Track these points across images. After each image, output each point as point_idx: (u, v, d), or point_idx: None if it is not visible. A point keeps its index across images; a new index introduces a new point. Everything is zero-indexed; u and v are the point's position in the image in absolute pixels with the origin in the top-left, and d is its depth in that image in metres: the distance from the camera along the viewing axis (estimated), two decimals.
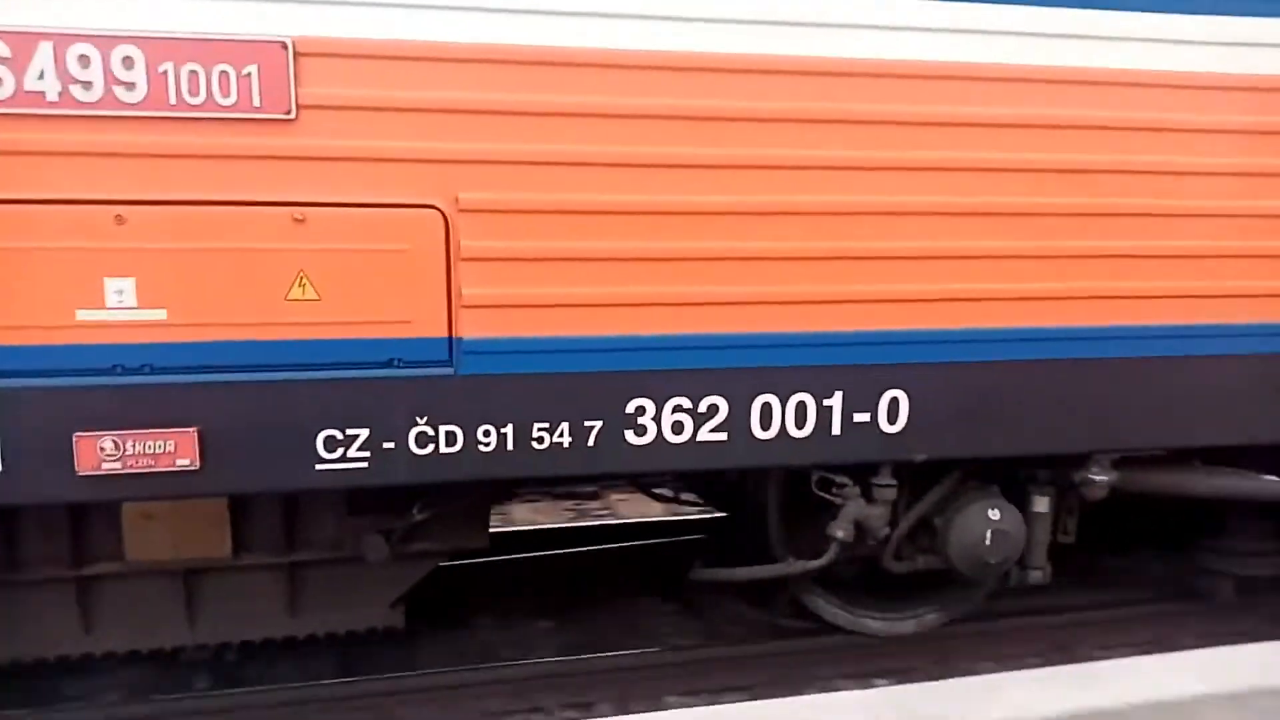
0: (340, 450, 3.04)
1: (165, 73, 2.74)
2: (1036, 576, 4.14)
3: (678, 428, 3.23)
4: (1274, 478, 4.20)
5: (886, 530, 3.86)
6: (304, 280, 2.93)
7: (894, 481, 3.75)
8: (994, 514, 3.84)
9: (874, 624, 4.36)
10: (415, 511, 3.70)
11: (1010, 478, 4.06)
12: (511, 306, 3.08)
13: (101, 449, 2.86)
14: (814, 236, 3.23)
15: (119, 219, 2.77)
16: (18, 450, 2.79)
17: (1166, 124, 3.50)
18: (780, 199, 3.21)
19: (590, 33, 2.98)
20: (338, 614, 3.95)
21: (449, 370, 3.03)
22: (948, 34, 3.22)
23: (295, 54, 2.81)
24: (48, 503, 3.27)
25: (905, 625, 4.36)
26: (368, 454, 3.05)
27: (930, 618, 4.39)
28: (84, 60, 2.69)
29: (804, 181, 3.22)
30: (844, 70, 3.15)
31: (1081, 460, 3.85)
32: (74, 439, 2.84)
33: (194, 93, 2.77)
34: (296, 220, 2.89)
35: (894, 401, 3.37)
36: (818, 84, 3.15)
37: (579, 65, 2.99)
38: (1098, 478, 3.84)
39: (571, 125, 3.01)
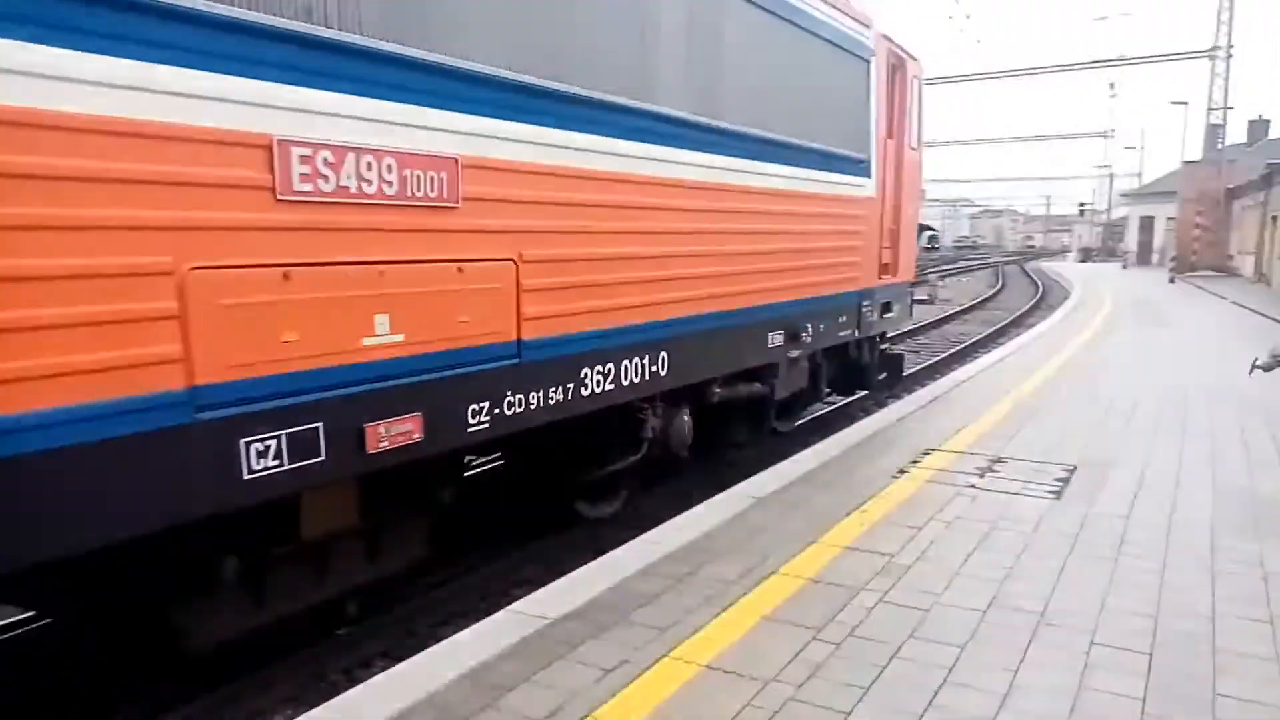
0: (478, 418, 4.59)
1: (405, 176, 4.08)
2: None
3: (598, 384, 5.50)
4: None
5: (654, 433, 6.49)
6: (464, 308, 4.45)
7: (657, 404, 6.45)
8: (686, 418, 6.90)
9: (590, 511, 6.93)
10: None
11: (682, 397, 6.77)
12: (545, 318, 4.94)
13: (378, 433, 4.02)
14: (644, 269, 5.73)
15: (381, 274, 4.00)
16: (333, 441, 3.83)
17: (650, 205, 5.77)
18: (657, 250, 5.86)
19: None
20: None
21: (517, 360, 4.83)
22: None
23: (460, 166, 4.37)
24: (348, 477, 4.26)
25: (605, 510, 7.05)
26: (488, 419, 4.67)
27: (616, 506, 7.15)
28: (369, 165, 3.91)
29: (651, 241, 5.81)
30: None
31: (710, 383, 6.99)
32: (365, 428, 3.96)
33: (417, 189, 4.15)
34: (459, 271, 4.40)
35: (663, 358, 6.16)
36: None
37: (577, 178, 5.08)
38: (717, 390, 7.14)
39: (570, 212, 5.10)
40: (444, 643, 3.83)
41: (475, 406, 4.56)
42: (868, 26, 8.94)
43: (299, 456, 3.68)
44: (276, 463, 3.59)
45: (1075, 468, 6.68)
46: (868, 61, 9.01)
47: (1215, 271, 43.67)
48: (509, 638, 3.81)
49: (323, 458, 3.78)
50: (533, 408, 4.95)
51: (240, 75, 3.35)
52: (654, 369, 6.02)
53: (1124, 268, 52.99)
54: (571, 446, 6.22)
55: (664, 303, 6.01)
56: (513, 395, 4.79)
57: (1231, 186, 44.02)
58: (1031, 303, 29.96)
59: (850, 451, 7.16)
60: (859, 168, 8.95)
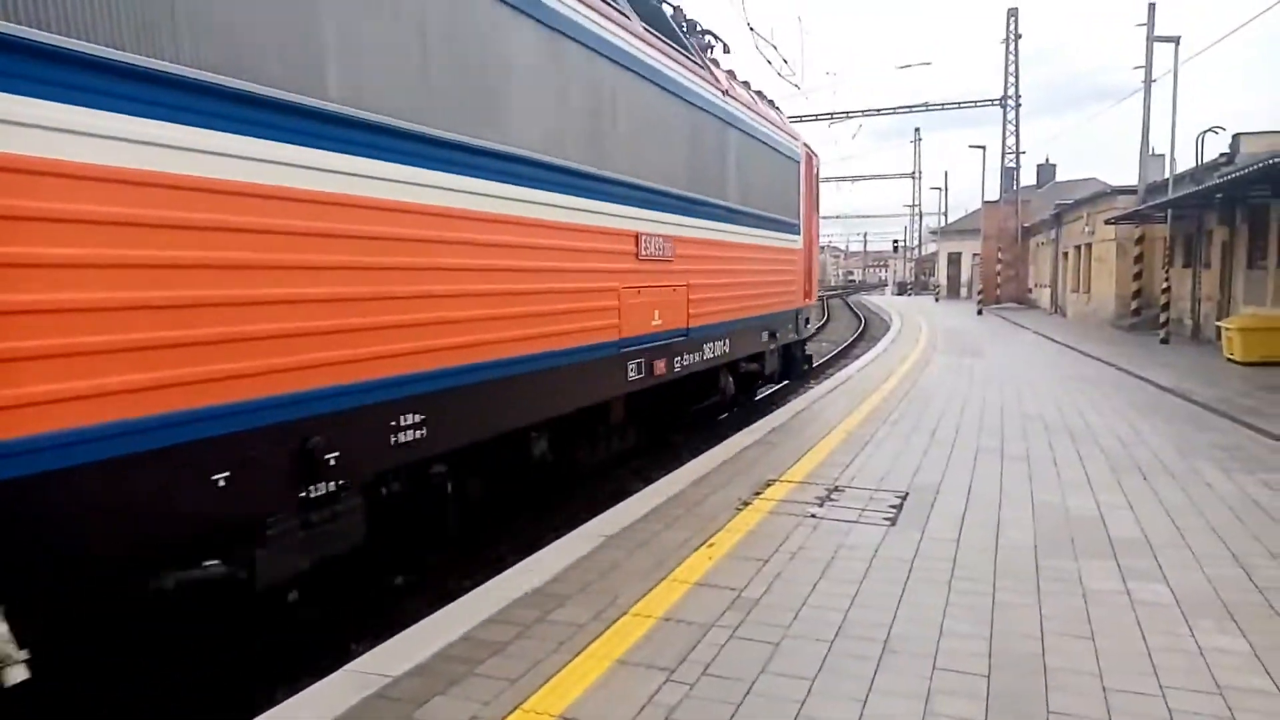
0: (678, 365, 9.22)
1: (646, 243, 8.20)
2: None
3: (712, 351, 10.44)
4: None
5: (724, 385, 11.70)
6: (679, 309, 9.06)
7: None
8: (730, 379, 12.02)
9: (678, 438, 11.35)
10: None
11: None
12: (702, 315, 9.54)
13: (659, 367, 8.74)
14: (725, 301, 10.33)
15: (666, 289, 8.65)
16: (645, 369, 8.35)
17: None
18: (729, 282, 10.77)
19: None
20: None
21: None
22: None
23: (635, 236, 8.01)
24: (647, 387, 8.63)
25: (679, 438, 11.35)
26: (679, 367, 9.10)
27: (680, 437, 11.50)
28: (647, 241, 8.17)
29: (716, 275, 10.26)
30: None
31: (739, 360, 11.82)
32: (654, 363, 8.55)
33: (647, 248, 8.22)
34: (673, 291, 8.92)
35: (728, 342, 10.91)
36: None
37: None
38: (742, 364, 11.93)
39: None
40: (266, 715, 3.53)
41: (678, 359, 9.11)
42: (796, 139, 14.32)
43: (637, 375, 8.11)
44: (636, 375, 8.11)
45: (907, 494, 6.95)
46: (798, 161, 14.26)
47: (1017, 303, 47.21)
48: (345, 702, 3.56)
49: (642, 375, 8.22)
50: (690, 363, 9.56)
51: (641, 208, 8.12)
52: (723, 348, 10.67)
53: (936, 300, 56.51)
54: (688, 389, 10.52)
55: (719, 313, 10.39)
56: (685, 356, 9.39)
57: (1027, 225, 47.83)
58: (855, 334, 31.46)
59: (694, 486, 7.20)
60: (794, 229, 14.06)
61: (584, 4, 6.89)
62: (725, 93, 10.62)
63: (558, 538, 5.89)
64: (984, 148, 45.08)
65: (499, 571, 5.23)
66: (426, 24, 5.12)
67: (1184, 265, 24.50)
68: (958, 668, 3.90)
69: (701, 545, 5.62)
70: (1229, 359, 17.57)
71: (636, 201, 7.93)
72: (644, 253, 8.09)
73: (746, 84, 12.70)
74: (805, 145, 14.51)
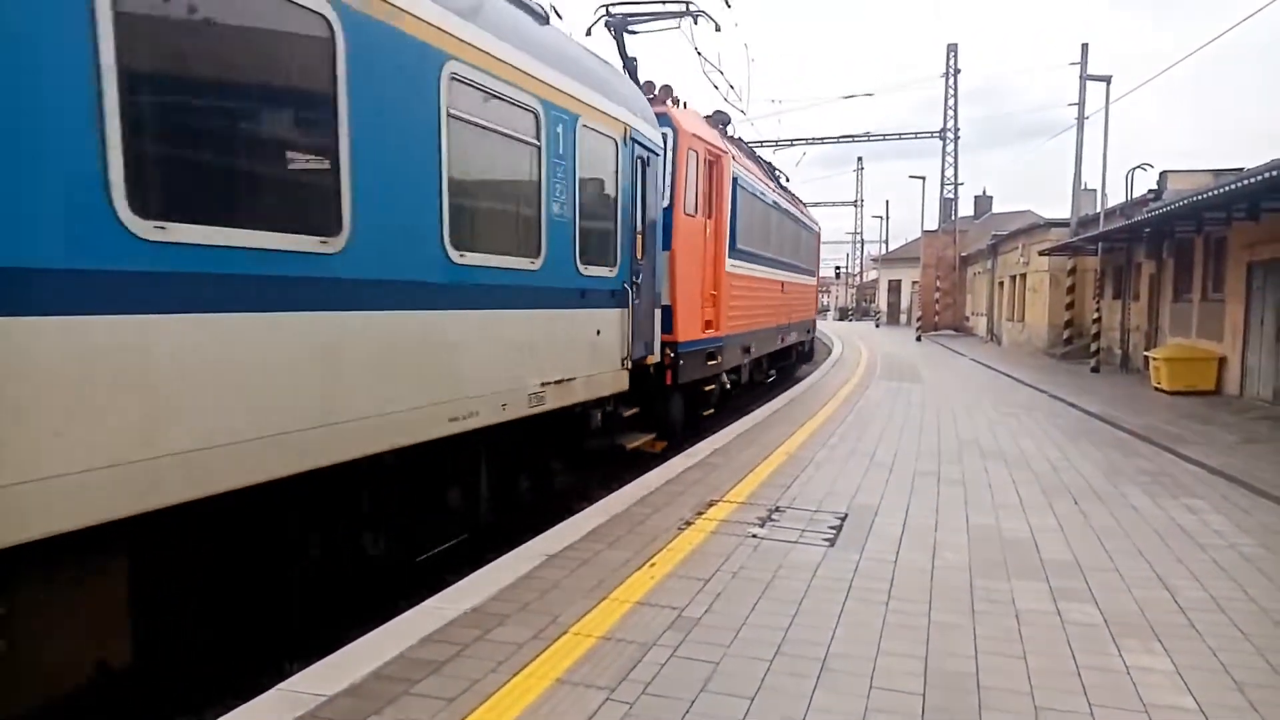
0: (781, 343, 20.42)
1: (783, 285, 19.81)
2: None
3: (787, 337, 21.62)
4: None
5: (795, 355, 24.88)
6: (780, 312, 19.72)
7: None
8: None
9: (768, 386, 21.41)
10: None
11: None
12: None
13: (779, 340, 20.08)
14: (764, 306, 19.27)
15: (776, 303, 19.19)
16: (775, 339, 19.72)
17: None
18: (777, 301, 21.02)
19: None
20: None
21: (776, 328, 19.05)
22: None
23: (781, 284, 19.75)
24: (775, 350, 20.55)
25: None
26: (779, 343, 20.17)
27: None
28: (783, 284, 20.04)
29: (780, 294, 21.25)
30: None
31: (794, 344, 23.87)
32: (782, 337, 20.36)
33: (783, 288, 20.16)
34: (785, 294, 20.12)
35: (785, 336, 21.25)
36: None
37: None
38: (794, 349, 24.25)
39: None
40: None
41: (784, 336, 20.35)
42: (815, 221, 27.19)
43: (779, 341, 19.88)
44: (779, 342, 19.86)
45: (846, 515, 7.04)
46: (818, 233, 28.04)
47: (955, 330, 48.16)
48: None
49: (778, 342, 19.76)
50: (788, 339, 21.06)
51: (782, 270, 20.15)
52: (794, 334, 22.17)
53: (877, 326, 57.40)
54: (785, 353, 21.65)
55: (796, 316, 22.18)
56: (787, 335, 20.77)
57: (965, 254, 48.92)
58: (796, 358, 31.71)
59: (637, 505, 7.20)
60: (812, 272, 25.85)
61: (785, 193, 21.47)
62: (798, 201, 24.30)
63: (496, 558, 5.84)
64: (924, 178, 46.18)
65: (438, 591, 5.16)
66: (753, 217, 16.27)
67: (1114, 296, 25.26)
68: (894, 686, 3.94)
69: (643, 565, 5.62)
70: (1156, 388, 18.14)
71: (782, 267, 19.55)
72: (783, 289, 19.75)
73: (788, 180, 23.91)
74: (817, 222, 28.07)
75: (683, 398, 12.07)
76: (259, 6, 4.44)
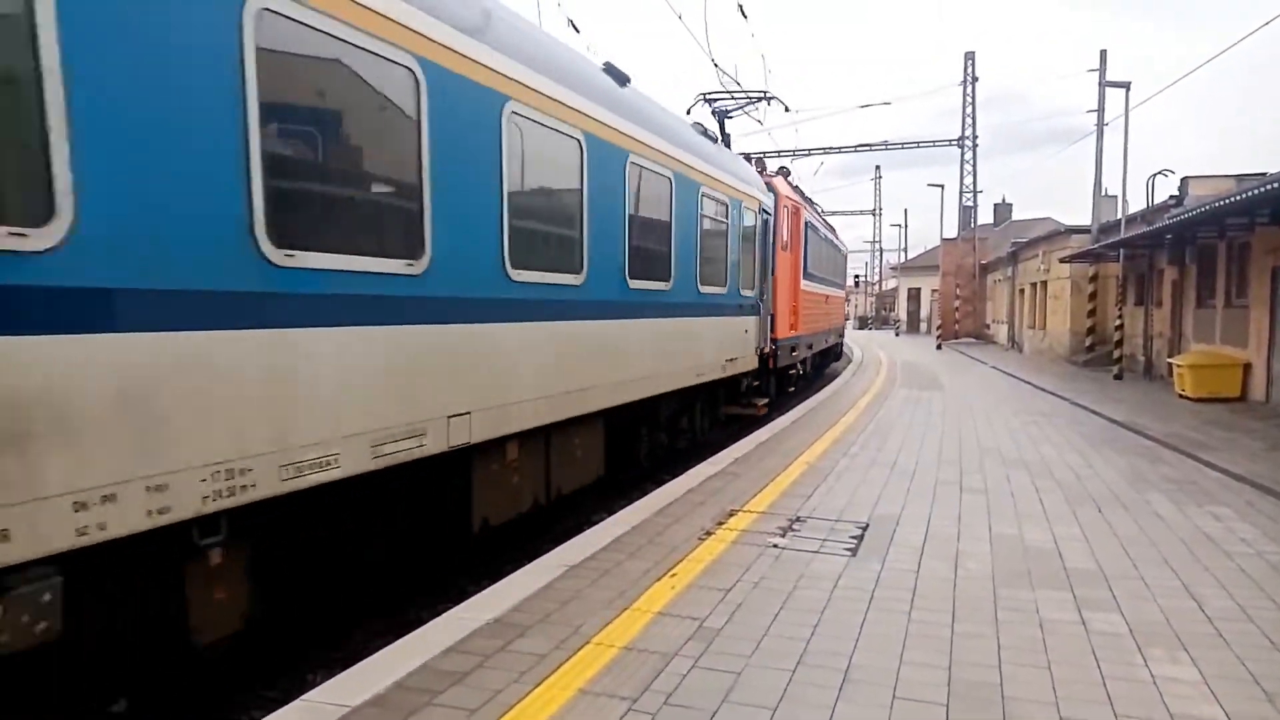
0: (825, 343, 24.83)
1: (825, 298, 24.48)
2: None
3: (825, 341, 25.97)
4: None
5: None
6: (817, 319, 22.34)
7: None
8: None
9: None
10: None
11: None
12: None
13: (818, 343, 23.23)
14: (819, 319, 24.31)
15: (821, 312, 22.85)
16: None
17: None
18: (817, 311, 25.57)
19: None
20: None
21: (829, 329, 25.48)
22: None
23: (825, 296, 24.46)
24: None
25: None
26: (826, 341, 25.48)
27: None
28: (826, 297, 24.64)
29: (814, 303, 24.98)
30: None
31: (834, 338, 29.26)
32: (819, 339, 23.36)
33: (827, 300, 24.69)
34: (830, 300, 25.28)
35: (821, 340, 24.58)
36: None
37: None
38: (825, 343, 27.23)
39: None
40: None
41: (828, 338, 25.65)
42: (844, 244, 33.32)
43: (825, 341, 25.12)
44: (825, 341, 25.10)
45: (868, 525, 7.01)
46: (845, 252, 33.05)
47: (975, 338, 47.89)
48: None
49: (825, 343, 25.06)
50: (829, 340, 26.12)
51: (830, 287, 25.70)
52: (830, 341, 26.96)
53: (897, 334, 57.15)
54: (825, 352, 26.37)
55: (835, 322, 28.12)
56: (829, 338, 25.78)
57: (985, 262, 48.67)
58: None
59: (657, 516, 7.20)
60: (841, 286, 30.77)
61: (827, 225, 27.17)
62: (832, 228, 28.22)
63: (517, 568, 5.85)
64: (943, 186, 45.94)
65: (460, 601, 5.18)
66: (813, 247, 21.00)
67: (1136, 303, 25.07)
68: (917, 697, 3.93)
69: (664, 575, 5.62)
70: (1180, 394, 17.97)
71: (826, 284, 23.97)
72: (826, 301, 24.24)
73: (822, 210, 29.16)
74: (845, 244, 33.04)
75: (776, 378, 17.03)
76: (365, 70, 5.22)
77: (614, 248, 8.84)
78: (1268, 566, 6.10)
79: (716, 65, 19.09)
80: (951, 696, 3.93)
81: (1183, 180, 22.73)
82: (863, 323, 79.22)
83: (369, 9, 5.09)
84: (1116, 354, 23.30)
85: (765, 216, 15.40)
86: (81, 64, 3.51)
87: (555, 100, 7.37)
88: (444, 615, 4.88)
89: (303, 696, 3.85)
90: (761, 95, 16.77)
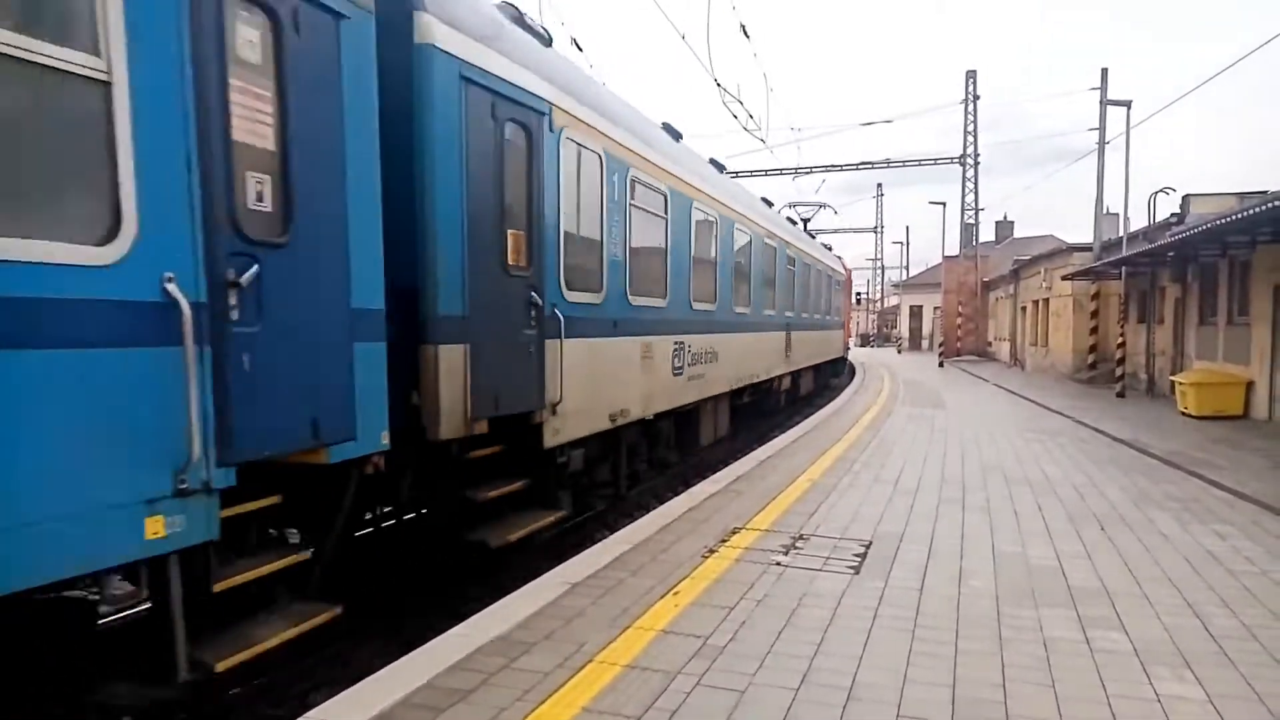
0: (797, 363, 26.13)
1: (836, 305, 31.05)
2: None
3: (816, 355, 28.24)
4: None
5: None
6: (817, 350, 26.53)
7: None
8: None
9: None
10: None
11: None
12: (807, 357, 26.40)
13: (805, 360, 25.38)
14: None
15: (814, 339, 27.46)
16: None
17: None
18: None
19: None
20: None
21: (849, 349, 38.08)
22: None
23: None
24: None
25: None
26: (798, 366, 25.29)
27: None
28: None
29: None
30: None
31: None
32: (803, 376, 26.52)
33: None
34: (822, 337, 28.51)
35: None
36: None
37: None
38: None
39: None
40: None
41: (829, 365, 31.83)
42: (846, 269, 36.27)
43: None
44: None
45: (871, 543, 7.00)
46: (841, 280, 32.63)
47: (977, 356, 47.89)
48: None
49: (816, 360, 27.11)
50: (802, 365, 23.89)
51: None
52: (843, 351, 34.33)
53: (899, 352, 57.16)
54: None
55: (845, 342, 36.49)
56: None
57: (987, 280, 48.73)
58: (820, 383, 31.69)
59: (660, 533, 7.20)
60: (840, 316, 33.35)
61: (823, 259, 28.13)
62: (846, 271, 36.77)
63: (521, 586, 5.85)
64: (944, 204, 46.16)
65: (463, 619, 5.18)
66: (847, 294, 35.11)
67: (1138, 321, 25.07)
68: (921, 715, 3.92)
69: (667, 593, 5.61)
70: (1183, 412, 17.95)
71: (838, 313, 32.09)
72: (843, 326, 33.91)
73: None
74: (848, 269, 36.50)
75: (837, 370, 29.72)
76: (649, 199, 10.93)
77: (771, 291, 18.19)
78: (1272, 585, 6.08)
79: (719, 85, 19.16)
80: (956, 715, 3.93)
81: (1184, 198, 22.78)
82: (865, 340, 79.19)
83: (651, 162, 10.53)
84: (1119, 371, 23.28)
85: (843, 278, 32.16)
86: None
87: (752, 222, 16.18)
88: (448, 633, 4.88)
89: (305, 715, 3.85)
90: (821, 206, 31.62)
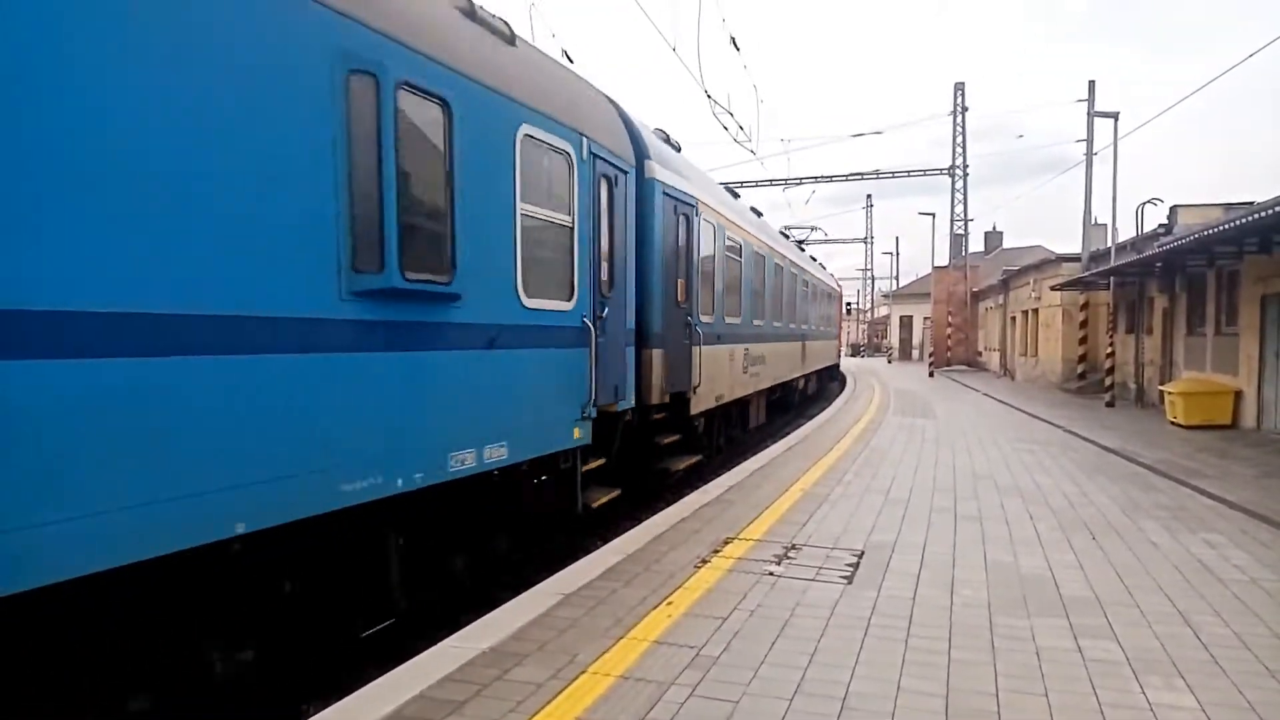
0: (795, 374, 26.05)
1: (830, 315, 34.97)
2: None
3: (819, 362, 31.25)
4: None
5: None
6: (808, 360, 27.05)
7: None
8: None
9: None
10: None
11: None
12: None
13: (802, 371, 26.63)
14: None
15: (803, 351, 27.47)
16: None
17: None
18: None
19: None
20: None
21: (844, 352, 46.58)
22: None
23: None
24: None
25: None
26: (799, 377, 26.11)
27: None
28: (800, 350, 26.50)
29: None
30: None
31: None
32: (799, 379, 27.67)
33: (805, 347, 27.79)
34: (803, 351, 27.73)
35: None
36: None
37: None
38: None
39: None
40: None
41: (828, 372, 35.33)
42: (838, 285, 40.25)
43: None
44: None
45: (863, 553, 7.01)
46: (836, 295, 38.33)
47: (967, 365, 48.02)
48: None
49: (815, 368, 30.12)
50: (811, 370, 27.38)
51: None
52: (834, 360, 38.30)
53: (889, 362, 57.31)
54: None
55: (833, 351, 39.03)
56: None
57: (976, 290, 48.92)
58: (821, 385, 31.75)
59: (652, 544, 7.19)
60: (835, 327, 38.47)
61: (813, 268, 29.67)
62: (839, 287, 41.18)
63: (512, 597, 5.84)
64: (934, 215, 46.34)
65: (456, 631, 5.16)
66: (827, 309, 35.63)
67: (1127, 331, 25.21)
68: None
69: (660, 603, 5.61)
70: (1172, 422, 18.03)
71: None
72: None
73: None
74: (839, 284, 39.84)
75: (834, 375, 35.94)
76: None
77: (792, 309, 21.77)
78: (1263, 593, 6.11)
79: (710, 97, 19.24)
80: None
81: (1171, 209, 22.95)
82: (855, 350, 79.36)
83: (734, 223, 14.61)
84: (1108, 381, 23.40)
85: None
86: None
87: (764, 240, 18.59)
88: (440, 644, 4.86)
89: None
90: (813, 228, 34.70)
